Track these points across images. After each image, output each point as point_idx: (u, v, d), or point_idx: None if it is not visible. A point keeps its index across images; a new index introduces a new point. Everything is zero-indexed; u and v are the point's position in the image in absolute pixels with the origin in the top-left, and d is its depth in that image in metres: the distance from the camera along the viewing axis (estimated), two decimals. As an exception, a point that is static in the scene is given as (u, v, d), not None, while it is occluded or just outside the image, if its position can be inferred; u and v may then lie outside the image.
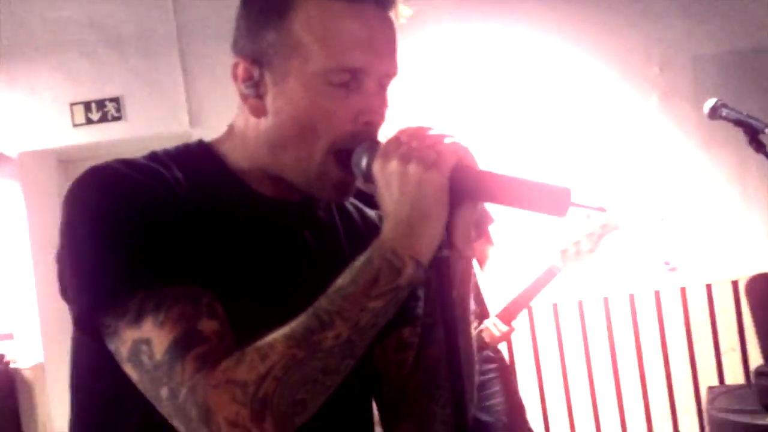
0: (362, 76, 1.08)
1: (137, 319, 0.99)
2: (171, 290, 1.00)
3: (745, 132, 2.59)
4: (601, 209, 1.15)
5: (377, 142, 1.07)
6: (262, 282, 1.11)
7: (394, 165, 1.01)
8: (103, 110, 4.55)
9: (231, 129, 1.19)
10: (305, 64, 1.07)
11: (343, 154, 1.09)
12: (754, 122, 2.55)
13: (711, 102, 2.69)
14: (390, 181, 1.01)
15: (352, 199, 1.27)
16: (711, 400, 3.58)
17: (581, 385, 4.36)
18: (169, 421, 0.98)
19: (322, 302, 1.00)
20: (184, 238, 1.04)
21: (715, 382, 4.21)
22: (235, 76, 1.12)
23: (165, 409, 0.98)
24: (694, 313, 4.33)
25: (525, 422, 3.04)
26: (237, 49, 1.12)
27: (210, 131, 1.26)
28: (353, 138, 1.08)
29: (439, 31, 4.43)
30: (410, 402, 1.20)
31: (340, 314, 0.98)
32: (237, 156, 1.16)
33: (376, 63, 1.08)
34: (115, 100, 4.55)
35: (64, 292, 1.07)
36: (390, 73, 1.12)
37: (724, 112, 2.65)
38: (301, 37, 1.07)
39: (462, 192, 1.01)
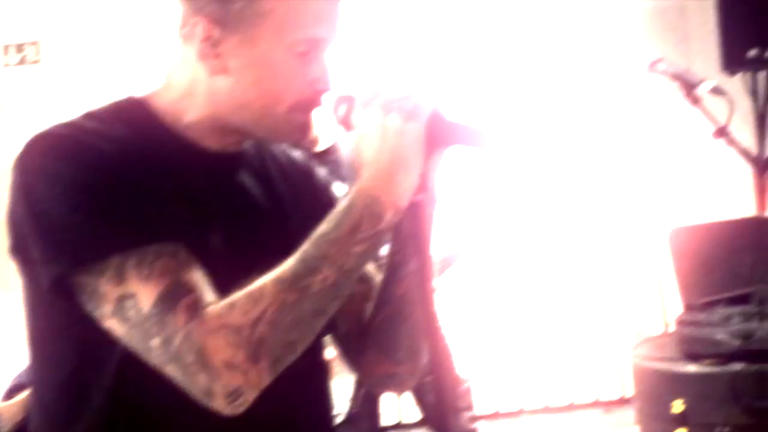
0: (321, 47, 1.15)
1: (119, 276, 1.04)
2: (150, 247, 1.06)
3: (682, 86, 2.68)
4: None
5: (350, 96, 1.15)
6: (218, 232, 1.17)
7: (375, 115, 1.09)
8: (21, 54, 4.45)
9: (169, 83, 1.22)
10: (274, 33, 1.13)
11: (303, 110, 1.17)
12: (691, 77, 2.64)
13: (651, 56, 2.76)
14: (370, 130, 1.08)
15: (280, 145, 1.34)
16: (633, 348, 3.70)
17: (505, 333, 4.46)
18: (160, 370, 1.05)
19: (309, 248, 1.07)
20: (147, 197, 1.09)
21: (638, 331, 4.34)
22: (191, 34, 1.15)
23: (156, 358, 1.04)
24: (618, 262, 4.46)
25: (450, 367, 3.08)
26: (197, 7, 1.14)
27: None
28: (308, 103, 1.17)
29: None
30: (375, 333, 1.25)
31: (326, 259, 1.06)
32: (179, 110, 1.20)
33: (333, 35, 1.16)
34: (35, 44, 4.43)
35: (20, 252, 1.12)
36: (335, 44, 1.18)
37: (662, 66, 2.73)
38: (272, 7, 1.12)
39: (435, 140, 1.09)
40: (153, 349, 1.04)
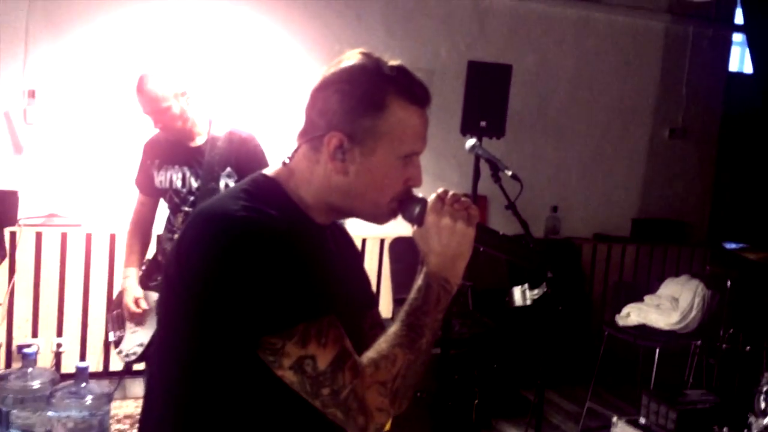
0: (417, 155, 1.51)
1: (303, 341, 1.35)
2: (325, 319, 1.37)
3: (491, 167, 3.35)
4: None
5: (423, 198, 1.52)
6: (342, 292, 1.49)
7: (446, 220, 1.49)
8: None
9: (291, 170, 1.53)
10: (390, 148, 1.46)
11: (397, 201, 1.52)
12: (498, 162, 3.33)
13: (471, 141, 3.51)
14: (441, 231, 1.48)
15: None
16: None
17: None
18: (322, 411, 1.39)
19: (411, 318, 1.46)
20: (315, 273, 1.38)
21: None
22: (328, 143, 1.45)
23: (322, 402, 1.38)
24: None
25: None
26: (332, 124, 1.45)
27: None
28: (402, 194, 1.52)
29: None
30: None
31: (426, 326, 1.46)
32: (302, 193, 1.51)
33: (425, 146, 1.52)
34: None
35: (213, 316, 1.36)
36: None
37: (480, 150, 3.47)
38: (390, 129, 1.45)
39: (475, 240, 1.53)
40: (321, 396, 1.37)
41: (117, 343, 3.62)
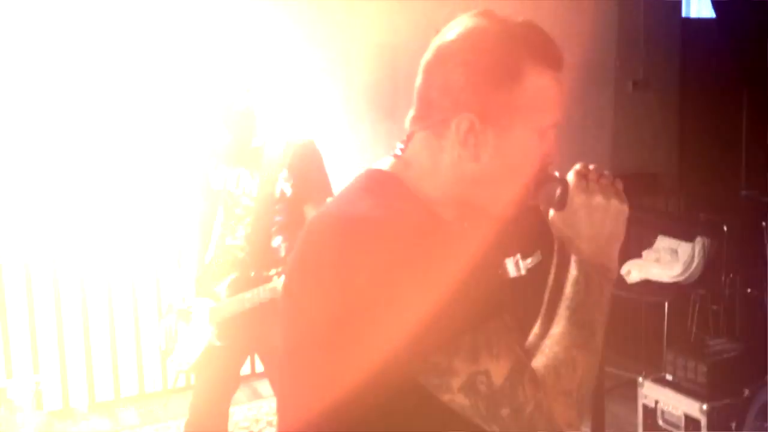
0: (555, 126, 1.31)
1: (474, 354, 1.14)
2: (492, 324, 1.17)
3: None
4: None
5: (561, 177, 1.35)
6: (488, 294, 1.26)
7: (598, 199, 1.32)
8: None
9: (408, 162, 1.32)
10: (528, 123, 1.26)
11: (532, 184, 1.33)
12: None
13: None
14: (593, 212, 1.32)
15: None
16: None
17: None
18: None
19: (579, 315, 1.30)
20: (471, 270, 1.18)
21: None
22: (457, 127, 1.25)
23: (501, 423, 1.17)
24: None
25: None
26: (460, 104, 1.24)
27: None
28: (538, 175, 1.32)
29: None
30: None
31: (597, 321, 1.31)
32: (425, 187, 1.30)
33: (562, 116, 1.32)
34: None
35: (367, 341, 1.14)
36: None
37: None
38: (528, 101, 1.25)
39: None
40: (501, 417, 1.16)
41: (168, 353, 3.51)
